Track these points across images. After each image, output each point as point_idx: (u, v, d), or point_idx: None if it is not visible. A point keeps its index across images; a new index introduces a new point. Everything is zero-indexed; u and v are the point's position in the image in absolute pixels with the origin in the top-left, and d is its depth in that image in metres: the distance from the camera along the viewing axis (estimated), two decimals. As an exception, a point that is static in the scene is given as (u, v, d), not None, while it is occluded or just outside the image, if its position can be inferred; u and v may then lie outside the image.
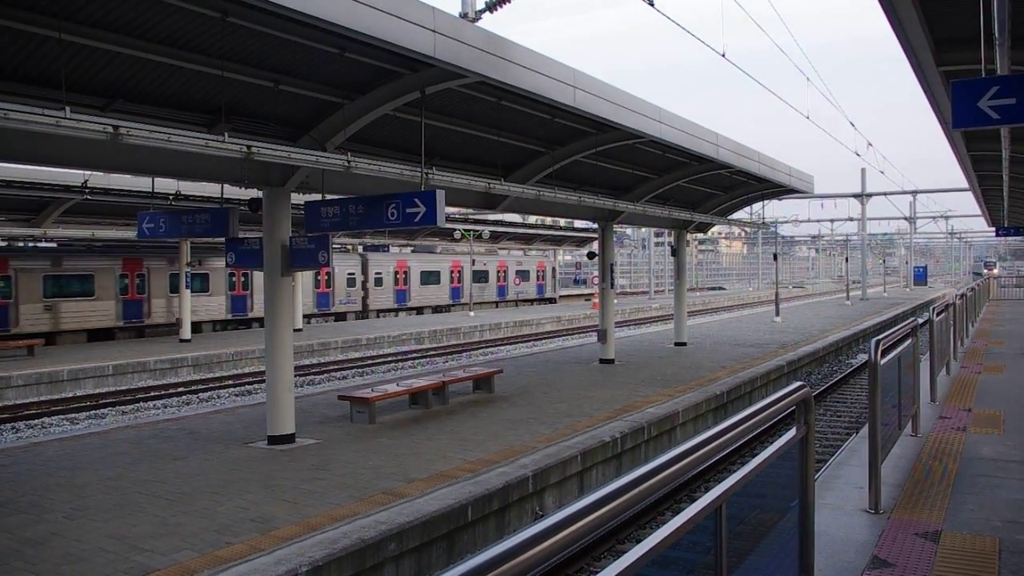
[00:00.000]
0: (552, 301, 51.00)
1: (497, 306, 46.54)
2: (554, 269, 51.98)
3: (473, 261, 42.44)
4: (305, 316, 34.21)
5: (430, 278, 41.89)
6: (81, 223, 25.41)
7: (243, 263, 11.70)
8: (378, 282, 38.88)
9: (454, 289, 43.48)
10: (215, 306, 31.31)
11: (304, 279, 34.07)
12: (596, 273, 22.67)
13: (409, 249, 42.53)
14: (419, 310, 40.91)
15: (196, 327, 28.57)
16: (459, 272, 43.71)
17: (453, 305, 43.27)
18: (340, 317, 37.03)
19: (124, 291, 28.63)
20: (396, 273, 39.89)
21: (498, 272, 47.00)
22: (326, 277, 35.79)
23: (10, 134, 7.42)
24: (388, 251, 41.49)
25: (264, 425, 10.97)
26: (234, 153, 8.49)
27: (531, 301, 49.76)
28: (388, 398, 12.48)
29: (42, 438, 12.16)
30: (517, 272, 48.47)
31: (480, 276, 45.24)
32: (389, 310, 39.67)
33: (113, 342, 27.18)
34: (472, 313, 39.44)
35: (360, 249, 39.33)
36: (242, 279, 31.79)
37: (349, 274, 37.31)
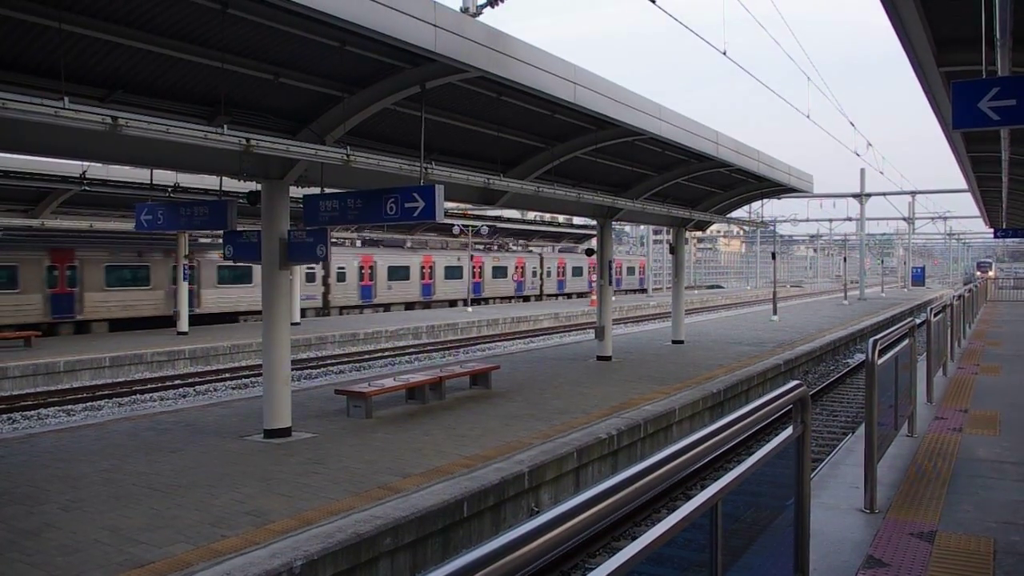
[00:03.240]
0: (645, 291, 61.17)
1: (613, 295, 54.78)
2: (646, 267, 63.75)
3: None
4: (506, 298, 48.24)
5: (577, 272, 54.72)
6: (79, 214, 25.42)
7: (241, 256, 11.67)
8: (548, 274, 52.17)
9: (590, 281, 54.87)
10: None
11: (510, 271, 48.61)
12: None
13: (556, 248, 55.72)
14: (569, 295, 53.57)
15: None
16: (593, 267, 53.53)
17: (587, 292, 53.95)
18: (525, 299, 49.63)
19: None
20: (558, 267, 53.24)
21: (615, 268, 57.50)
22: (520, 270, 49.47)
23: (8, 124, 7.40)
24: (555, 251, 55.02)
25: (261, 418, 10.97)
26: (233, 146, 8.47)
27: (635, 291, 60.20)
28: (385, 393, 12.47)
29: (38, 429, 12.13)
30: (627, 268, 59.35)
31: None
32: (552, 295, 52.37)
33: (111, 335, 27.23)
34: (470, 309, 39.59)
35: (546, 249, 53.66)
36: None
37: (534, 269, 50.61)
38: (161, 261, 29.24)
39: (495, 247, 49.43)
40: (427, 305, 41.68)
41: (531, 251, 52.12)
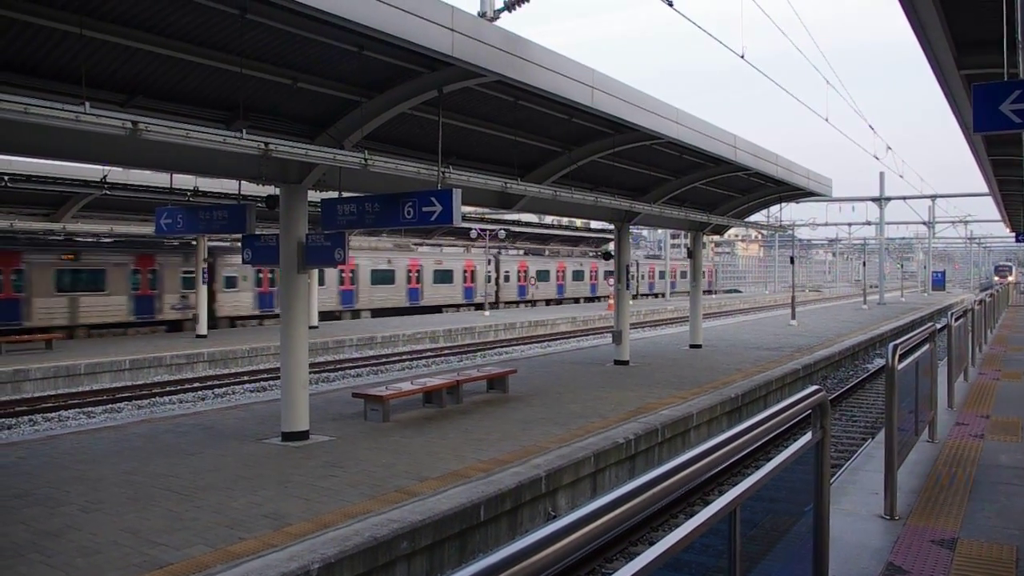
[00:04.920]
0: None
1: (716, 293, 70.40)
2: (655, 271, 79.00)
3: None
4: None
5: (661, 275, 65.32)
6: (99, 218, 25.66)
7: (260, 260, 11.73)
8: (642, 277, 62.13)
9: (672, 282, 67.35)
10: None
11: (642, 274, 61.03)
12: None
13: (645, 256, 69.65)
14: (656, 295, 64.08)
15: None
16: (676, 272, 68.41)
17: (659, 292, 65.68)
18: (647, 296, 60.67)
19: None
20: (649, 272, 63.85)
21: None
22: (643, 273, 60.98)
23: (30, 129, 7.48)
24: (645, 259, 67.38)
25: (278, 422, 11.01)
26: (252, 150, 8.52)
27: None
28: (402, 396, 12.49)
29: (59, 431, 12.25)
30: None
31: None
32: (644, 294, 62.02)
33: (128, 336, 27.47)
34: (487, 313, 39.67)
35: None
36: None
37: (660, 271, 64.32)
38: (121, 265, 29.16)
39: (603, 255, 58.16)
40: (559, 302, 52.18)
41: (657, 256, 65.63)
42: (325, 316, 35.21)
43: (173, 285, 30.67)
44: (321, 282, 35.15)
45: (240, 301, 33.00)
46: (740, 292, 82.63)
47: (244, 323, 33.18)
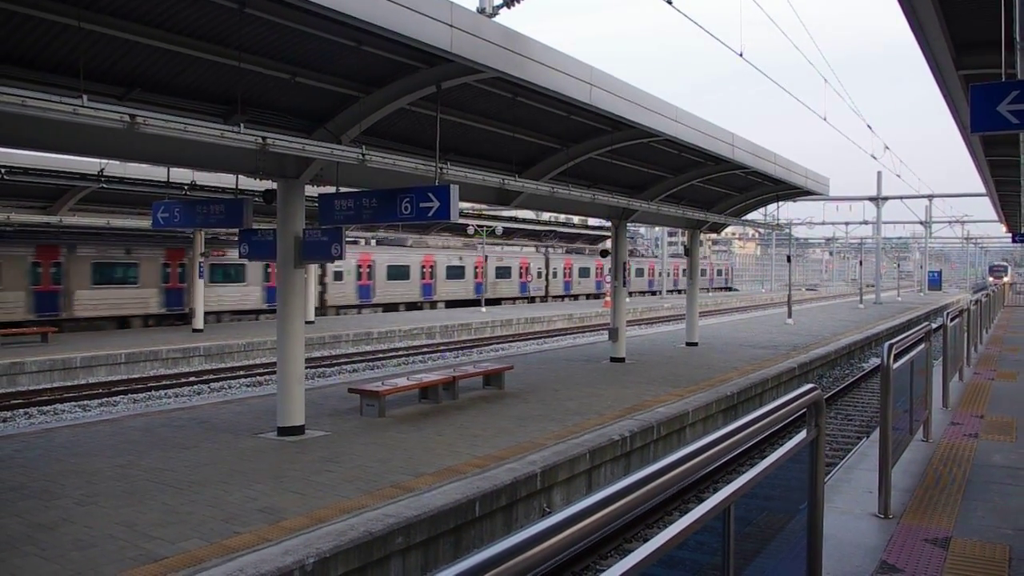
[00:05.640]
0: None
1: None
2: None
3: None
4: (649, 291, 62.66)
5: (703, 273, 68.54)
6: (96, 211, 25.61)
7: (257, 254, 11.72)
8: (684, 272, 59.13)
9: (725, 279, 78.26)
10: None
11: (645, 272, 63.45)
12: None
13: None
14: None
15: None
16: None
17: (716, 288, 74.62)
18: (653, 293, 63.40)
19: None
20: (683, 270, 64.72)
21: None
22: (652, 272, 64.18)
23: (28, 122, 7.46)
24: (682, 258, 71.93)
25: (274, 416, 11.01)
26: (249, 144, 8.51)
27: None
28: (398, 392, 12.49)
29: (54, 424, 12.24)
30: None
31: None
32: (676, 290, 66.19)
33: (127, 330, 27.44)
34: (484, 310, 39.71)
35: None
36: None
37: (669, 271, 65.18)
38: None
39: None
40: (597, 296, 56.15)
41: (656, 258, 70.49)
42: (410, 306, 40.87)
43: None
44: (406, 276, 40.42)
45: (346, 292, 37.35)
46: (737, 290, 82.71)
47: (346, 311, 37.58)
